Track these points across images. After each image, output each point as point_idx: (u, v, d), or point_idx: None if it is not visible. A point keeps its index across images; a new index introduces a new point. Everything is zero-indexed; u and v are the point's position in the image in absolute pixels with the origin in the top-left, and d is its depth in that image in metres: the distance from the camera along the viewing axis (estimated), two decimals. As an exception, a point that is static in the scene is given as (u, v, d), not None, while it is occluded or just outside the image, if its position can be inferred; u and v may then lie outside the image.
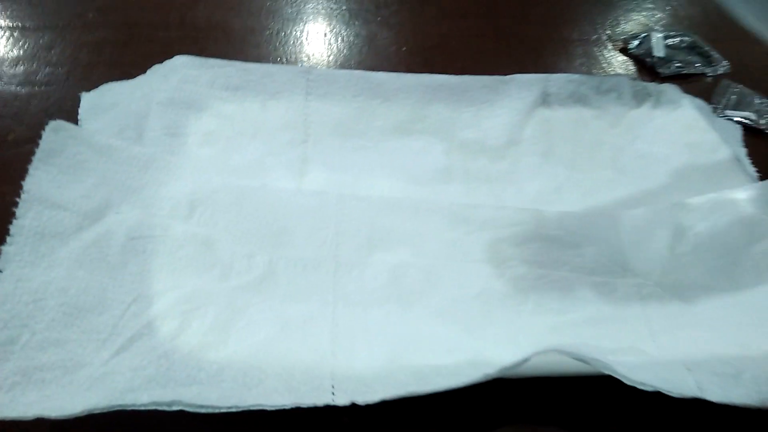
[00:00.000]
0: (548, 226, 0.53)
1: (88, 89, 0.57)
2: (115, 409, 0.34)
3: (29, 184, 0.41)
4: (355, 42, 0.73)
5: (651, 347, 0.46)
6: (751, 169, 0.59)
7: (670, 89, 0.63)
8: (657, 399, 0.41)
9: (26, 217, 0.40)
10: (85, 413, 0.34)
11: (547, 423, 0.43)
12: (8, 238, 0.39)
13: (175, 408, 0.35)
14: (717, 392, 0.38)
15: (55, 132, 0.43)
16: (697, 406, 0.40)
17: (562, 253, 0.52)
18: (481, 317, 0.47)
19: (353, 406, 0.40)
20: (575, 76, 0.62)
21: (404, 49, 0.73)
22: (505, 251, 0.52)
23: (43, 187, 0.41)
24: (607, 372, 0.37)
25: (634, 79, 0.67)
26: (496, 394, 0.43)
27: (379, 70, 0.67)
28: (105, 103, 0.55)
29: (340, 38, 0.73)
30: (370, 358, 0.41)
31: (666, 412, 0.44)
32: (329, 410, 0.40)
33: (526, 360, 0.37)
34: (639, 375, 0.38)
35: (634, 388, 0.38)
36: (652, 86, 0.63)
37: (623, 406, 0.44)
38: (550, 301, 0.49)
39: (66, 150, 0.43)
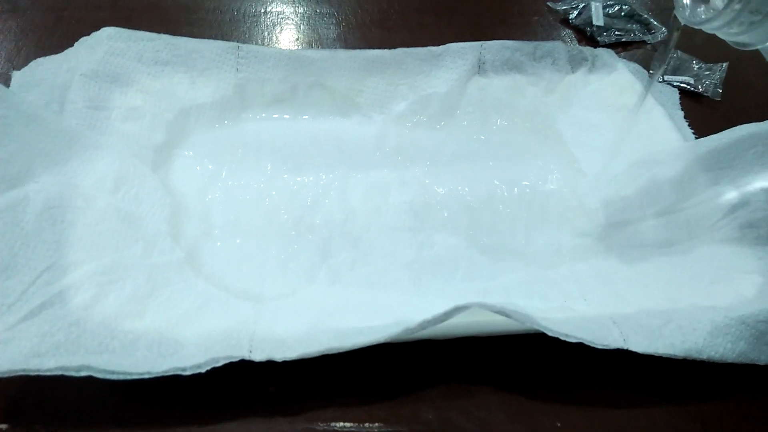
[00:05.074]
0: (479, 194, 0.53)
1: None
2: (18, 374, 0.33)
3: None
4: (293, 18, 0.72)
5: (581, 305, 0.46)
6: (689, 132, 0.59)
7: (606, 53, 0.63)
8: (588, 356, 0.41)
9: None
10: (-16, 377, 0.32)
11: (479, 383, 0.42)
12: None
13: (83, 374, 0.33)
14: (642, 343, 0.38)
15: None
16: (626, 361, 0.40)
17: (493, 221, 0.52)
18: (411, 285, 0.47)
19: (280, 376, 0.40)
20: (510, 43, 0.61)
21: (343, 24, 0.72)
22: (436, 220, 0.52)
23: None
24: (528, 324, 0.37)
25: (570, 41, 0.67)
26: (427, 357, 0.43)
27: (317, 47, 0.66)
28: (35, 79, 0.53)
29: (278, 15, 0.72)
30: (293, 324, 0.40)
31: (597, 368, 0.43)
32: (255, 381, 0.40)
33: (446, 313, 0.36)
34: (563, 328, 0.37)
35: (565, 348, 0.38)
36: (587, 50, 0.63)
37: (554, 364, 0.43)
38: (481, 268, 0.49)
39: None
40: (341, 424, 0.39)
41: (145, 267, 0.42)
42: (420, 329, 0.36)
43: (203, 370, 0.35)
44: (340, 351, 0.36)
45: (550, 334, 0.37)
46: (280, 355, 0.36)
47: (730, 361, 0.39)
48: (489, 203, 0.54)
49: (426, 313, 0.40)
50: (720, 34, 0.38)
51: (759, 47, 0.36)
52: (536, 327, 0.37)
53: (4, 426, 0.37)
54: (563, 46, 0.62)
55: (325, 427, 0.39)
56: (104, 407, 0.38)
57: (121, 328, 0.37)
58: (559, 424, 0.40)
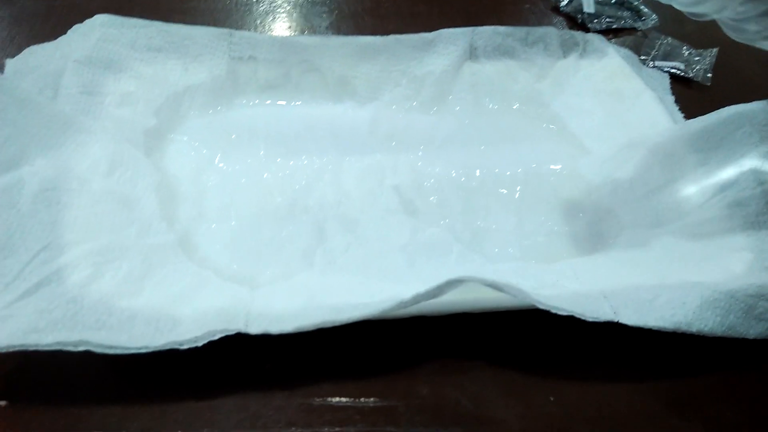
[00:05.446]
0: (472, 178, 0.54)
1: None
2: (16, 349, 0.33)
3: None
4: (285, 7, 0.72)
5: (574, 284, 0.46)
6: (680, 116, 0.60)
7: (597, 39, 0.64)
8: (581, 332, 0.41)
9: None
10: (-17, 353, 0.33)
11: (472, 359, 0.42)
12: None
13: (81, 348, 0.34)
14: (632, 316, 0.38)
15: None
16: (619, 337, 0.41)
17: (486, 205, 0.52)
18: (406, 267, 0.47)
19: (276, 353, 0.41)
20: (502, 28, 0.62)
21: (336, 13, 0.72)
22: (430, 204, 0.52)
23: None
24: (521, 298, 0.37)
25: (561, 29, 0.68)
26: (422, 334, 0.43)
27: (309, 35, 0.67)
28: (28, 67, 0.53)
29: (270, 3, 0.72)
30: (289, 302, 0.41)
31: (590, 344, 0.44)
32: (251, 358, 0.40)
33: (440, 287, 0.36)
34: (554, 302, 0.38)
35: (558, 324, 0.39)
36: (579, 35, 0.64)
37: (548, 340, 0.44)
38: (474, 251, 0.49)
39: None
40: (337, 399, 0.39)
41: (140, 248, 0.42)
42: (414, 302, 0.36)
43: (200, 344, 0.35)
44: (336, 324, 0.37)
45: (541, 307, 0.37)
46: (276, 328, 0.36)
47: (719, 334, 0.39)
48: (482, 187, 0.54)
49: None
50: (676, 5, 0.38)
51: (715, 17, 0.36)
52: (528, 300, 0.37)
53: (2, 403, 0.37)
54: (555, 31, 0.63)
55: (322, 402, 0.39)
56: (102, 385, 0.39)
57: (118, 305, 0.37)
58: (552, 399, 0.41)
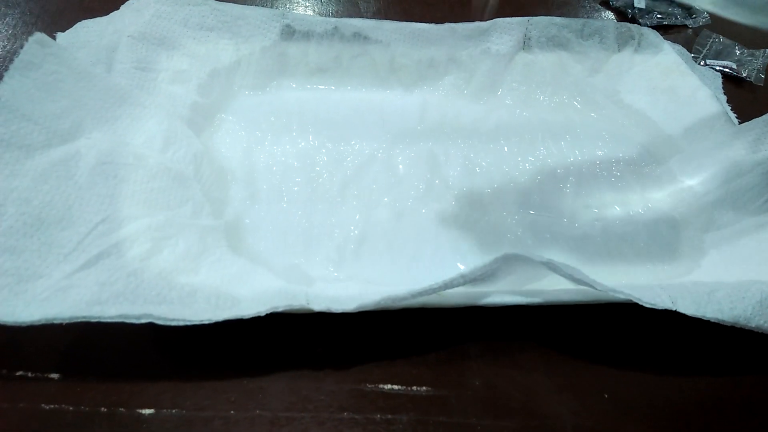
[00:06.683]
0: (524, 169, 0.54)
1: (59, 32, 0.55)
2: (79, 320, 0.33)
3: (2, 90, 0.38)
4: (334, -8, 0.72)
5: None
6: (732, 115, 0.59)
7: (652, 34, 0.63)
8: (636, 328, 0.41)
9: None
10: (44, 322, 0.32)
11: (524, 351, 0.42)
12: (-28, 144, 0.37)
13: (144, 321, 0.33)
14: (689, 306, 0.38)
15: (38, 45, 0.41)
16: (675, 336, 0.41)
17: (540, 197, 0.52)
18: (457, 257, 0.47)
19: (327, 338, 0.40)
20: (558, 19, 0.61)
21: (384, -1, 0.72)
22: (482, 195, 0.52)
23: (17, 97, 0.39)
24: (577, 278, 0.36)
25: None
26: (473, 324, 0.43)
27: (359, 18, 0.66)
28: (80, 41, 0.53)
29: (317, -12, 0.72)
30: (345, 288, 0.40)
31: (645, 342, 0.43)
32: (303, 341, 0.40)
33: (497, 260, 0.36)
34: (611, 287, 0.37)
35: (611, 320, 0.40)
36: (635, 28, 0.63)
37: (602, 335, 0.43)
38: (527, 243, 0.49)
39: (44, 66, 0.41)
40: (389, 386, 0.39)
41: (195, 227, 0.41)
42: (473, 276, 0.36)
43: (263, 314, 0.35)
44: (397, 302, 0.37)
45: (598, 288, 0.36)
46: (339, 306, 0.36)
47: None
48: (534, 179, 0.53)
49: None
50: None
51: None
52: (584, 281, 0.36)
53: (55, 375, 0.37)
54: (612, 24, 0.62)
55: (373, 388, 0.39)
56: (156, 364, 0.39)
57: (178, 281, 0.37)
58: (606, 396, 0.40)
